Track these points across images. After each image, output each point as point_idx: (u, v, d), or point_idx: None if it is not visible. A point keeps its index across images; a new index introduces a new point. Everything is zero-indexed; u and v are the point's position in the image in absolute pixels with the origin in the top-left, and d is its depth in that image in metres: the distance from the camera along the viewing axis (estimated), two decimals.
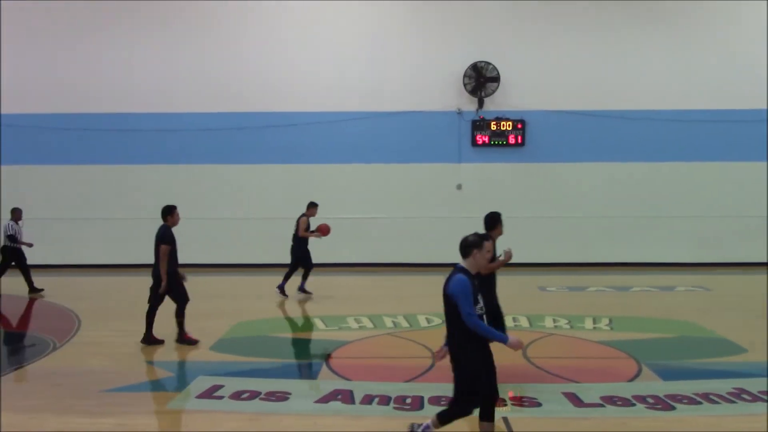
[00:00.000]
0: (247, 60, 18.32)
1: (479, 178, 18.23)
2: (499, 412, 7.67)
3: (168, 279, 10.05)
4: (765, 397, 7.84)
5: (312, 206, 14.81)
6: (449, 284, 5.90)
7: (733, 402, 7.75)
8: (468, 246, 5.96)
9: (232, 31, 18.38)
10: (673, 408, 7.57)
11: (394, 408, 7.60)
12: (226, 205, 18.53)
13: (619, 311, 12.81)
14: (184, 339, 10.38)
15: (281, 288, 14.34)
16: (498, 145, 18.19)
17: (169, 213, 10.22)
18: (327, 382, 8.67)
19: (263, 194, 18.49)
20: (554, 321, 11.98)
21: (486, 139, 18.17)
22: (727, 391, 8.09)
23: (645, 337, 10.94)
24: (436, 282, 13.91)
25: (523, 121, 18.08)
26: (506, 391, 8.27)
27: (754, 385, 8.30)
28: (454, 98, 18.29)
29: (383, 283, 16.42)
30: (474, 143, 18.20)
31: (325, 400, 7.93)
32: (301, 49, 18.27)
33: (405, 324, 11.84)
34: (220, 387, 8.26)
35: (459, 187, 18.08)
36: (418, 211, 18.12)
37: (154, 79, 18.35)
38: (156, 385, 8.70)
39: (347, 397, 8.03)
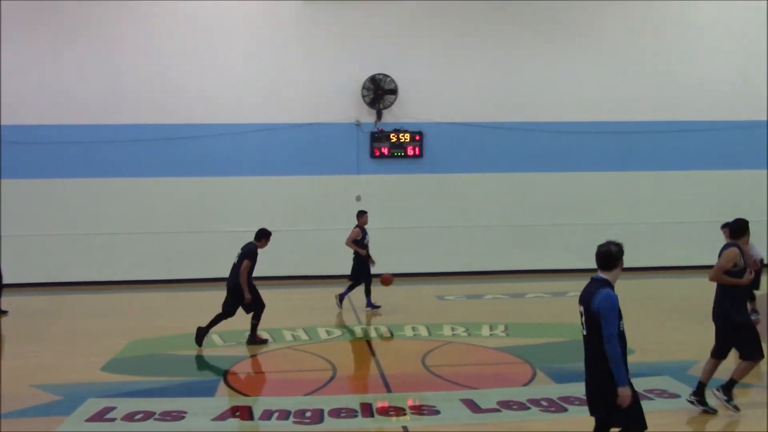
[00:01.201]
0: (136, 71, 17.72)
1: (378, 190, 18.35)
2: (399, 421, 7.73)
3: (249, 290, 11.07)
4: (651, 396, 8.20)
5: (362, 214, 14.06)
6: (595, 299, 5.32)
7: None
8: (615, 257, 5.48)
9: (122, 40, 17.78)
10: (565, 410, 7.81)
11: (294, 422, 7.51)
12: (124, 219, 17.82)
13: (515, 318, 13.14)
14: (255, 340, 11.15)
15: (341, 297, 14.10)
16: (396, 156, 18.37)
17: (264, 237, 11.39)
18: (224, 399, 8.50)
19: (151, 209, 17.85)
20: (452, 329, 12.16)
21: (385, 151, 18.32)
22: None
23: (539, 342, 11.26)
24: (336, 293, 13.99)
25: (421, 133, 18.34)
26: (405, 399, 8.34)
27: (641, 384, 8.61)
28: (353, 110, 18.36)
29: (282, 296, 16.23)
30: (373, 155, 18.32)
31: (222, 417, 7.76)
32: (195, 61, 17.89)
33: (304, 337, 11.76)
34: (112, 409, 7.95)
35: (358, 198, 18.13)
36: (317, 223, 18.05)
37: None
38: (42, 410, 8.27)
39: (246, 413, 7.90)
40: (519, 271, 18.51)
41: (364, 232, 13.84)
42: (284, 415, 7.72)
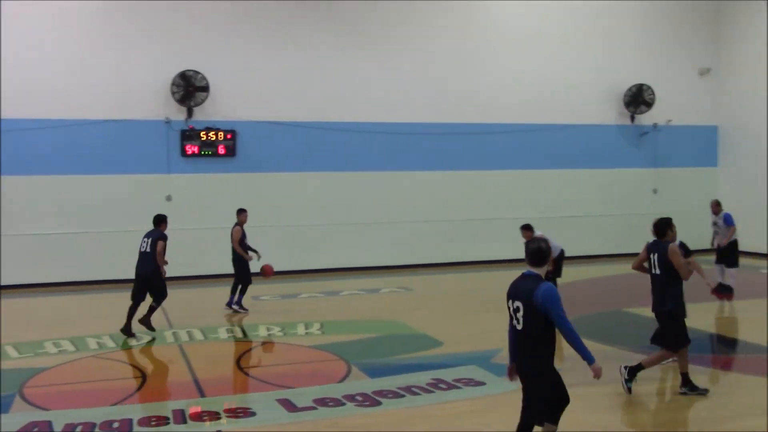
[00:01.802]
0: None
1: (190, 189, 17.80)
2: (213, 425, 7.55)
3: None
4: (459, 385, 8.59)
5: (241, 212, 13.84)
6: (538, 293, 5.52)
7: (431, 392, 8.40)
8: (545, 254, 5.71)
9: None
10: (379, 403, 8.00)
11: None
12: None
13: (330, 315, 13.27)
14: (149, 324, 11.68)
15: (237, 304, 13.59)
16: (208, 155, 17.92)
17: (164, 222, 12.09)
18: (21, 415, 7.87)
19: None
20: (268, 329, 12.07)
21: (196, 150, 17.80)
22: (426, 382, 8.74)
23: (354, 339, 11.45)
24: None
25: (234, 132, 18.01)
26: (220, 403, 8.16)
27: (449, 374, 9.07)
28: (162, 107, 17.68)
29: (89, 301, 15.36)
30: (183, 153, 17.73)
31: None
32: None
33: (111, 344, 11.16)
34: None
35: (169, 198, 17.49)
36: (125, 224, 17.17)
37: None
38: None
39: (45, 428, 7.36)
40: (335, 270, 18.71)
41: (244, 231, 13.77)
42: (89, 427, 7.28)
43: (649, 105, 20.98)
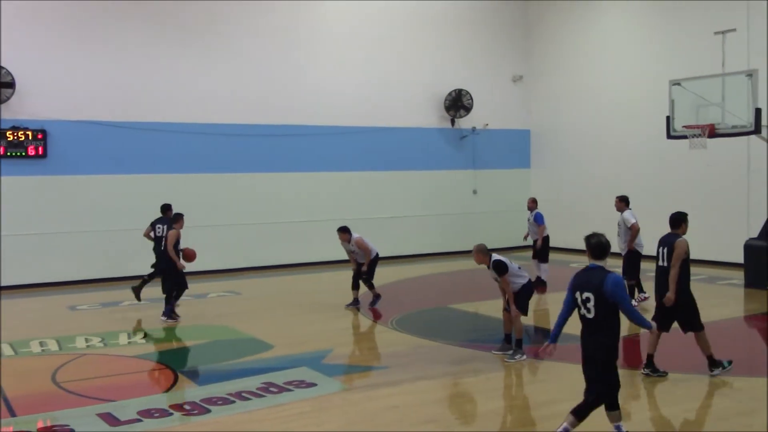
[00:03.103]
0: None
1: None
2: None
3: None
4: (290, 387, 8.55)
5: (180, 217, 13.22)
6: (608, 283, 6.03)
7: (263, 396, 8.29)
8: (606, 247, 6.26)
9: None
10: (208, 411, 7.79)
11: None
12: None
13: (154, 323, 12.76)
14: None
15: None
16: (16, 156, 16.65)
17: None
18: None
19: None
20: (87, 340, 11.39)
21: (1, 150, 16.49)
22: (256, 386, 8.62)
23: (180, 346, 11.09)
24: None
25: (44, 131, 16.84)
26: (33, 422, 7.60)
27: (280, 377, 9.01)
28: None
29: None
30: None
31: None
32: None
33: None
34: None
35: None
36: None
37: None
38: None
39: None
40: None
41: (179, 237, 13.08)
42: None
43: (468, 109, 21.95)
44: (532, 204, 16.03)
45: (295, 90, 19.78)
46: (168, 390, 8.71)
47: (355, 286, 13.57)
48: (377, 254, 13.43)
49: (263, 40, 19.42)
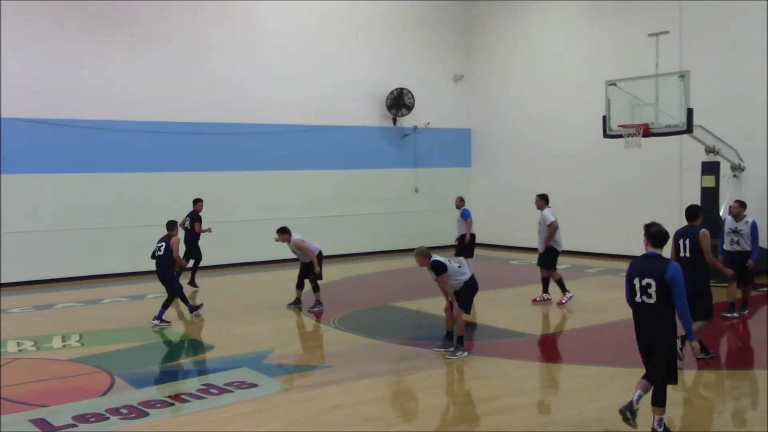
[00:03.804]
0: None
1: None
2: None
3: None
4: (231, 389, 8.43)
5: (174, 225, 13.01)
6: (668, 271, 6.27)
7: (202, 398, 8.15)
8: (666, 236, 6.51)
9: None
10: (147, 414, 7.62)
11: None
12: None
13: (91, 325, 12.44)
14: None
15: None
16: None
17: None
18: None
19: None
20: (18, 344, 11.04)
21: None
22: (196, 388, 8.48)
23: (117, 348, 10.82)
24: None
25: None
26: None
27: (220, 378, 8.88)
28: None
29: None
30: None
31: None
32: None
33: None
34: None
35: None
36: None
37: None
38: None
39: None
40: (95, 276, 17.59)
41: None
42: None
43: (409, 108, 22.04)
44: (460, 203, 16.14)
45: (235, 88, 19.56)
46: (104, 394, 8.49)
47: (300, 285, 13.46)
48: (320, 252, 13.32)
49: (204, 37, 19.15)
